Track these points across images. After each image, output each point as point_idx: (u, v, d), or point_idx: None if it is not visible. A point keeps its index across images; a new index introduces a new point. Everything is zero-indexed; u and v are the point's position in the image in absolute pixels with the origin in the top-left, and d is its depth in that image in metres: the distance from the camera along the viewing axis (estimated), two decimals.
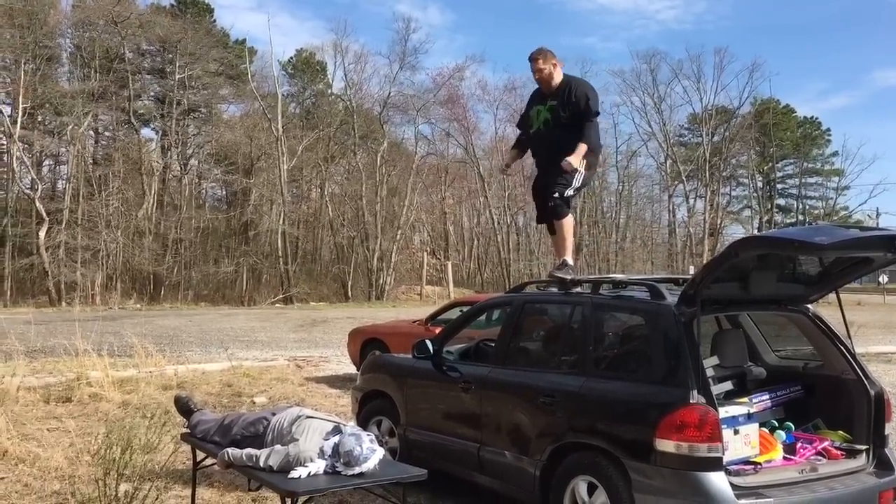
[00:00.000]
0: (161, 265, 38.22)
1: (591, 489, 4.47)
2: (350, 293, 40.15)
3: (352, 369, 11.83)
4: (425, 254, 42.81)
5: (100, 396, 9.71)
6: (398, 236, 41.93)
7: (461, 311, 9.08)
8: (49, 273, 34.23)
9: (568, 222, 5.83)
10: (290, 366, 13.15)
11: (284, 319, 23.95)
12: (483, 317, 9.70)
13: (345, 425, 4.45)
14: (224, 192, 47.93)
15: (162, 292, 37.59)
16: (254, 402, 9.59)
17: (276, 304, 36.11)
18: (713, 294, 4.48)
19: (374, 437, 4.40)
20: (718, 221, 52.19)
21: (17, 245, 36.89)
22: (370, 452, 4.19)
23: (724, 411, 4.25)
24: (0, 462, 6.63)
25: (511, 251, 46.45)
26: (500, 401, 5.24)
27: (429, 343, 6.02)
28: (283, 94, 44.94)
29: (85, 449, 6.55)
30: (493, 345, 5.97)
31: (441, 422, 5.73)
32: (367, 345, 11.30)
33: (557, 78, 5.82)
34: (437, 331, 7.40)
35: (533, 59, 5.82)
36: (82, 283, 34.52)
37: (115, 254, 37.06)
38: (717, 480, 4.00)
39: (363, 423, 6.58)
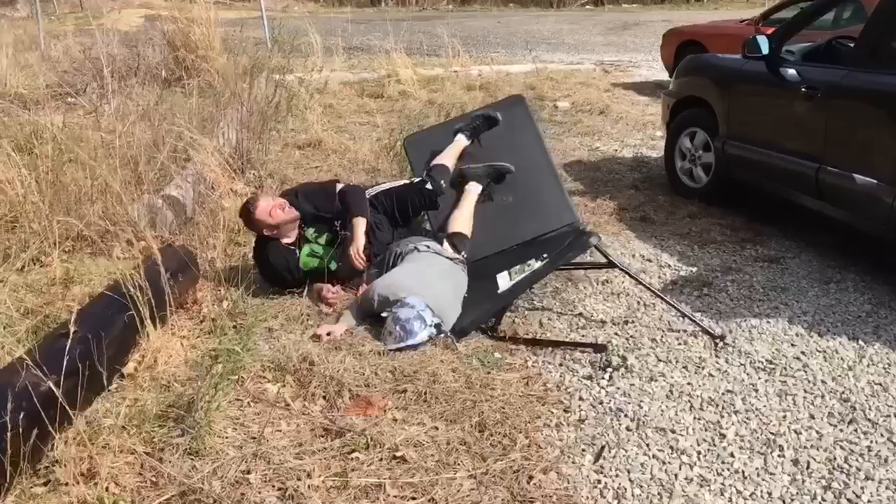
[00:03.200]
0: None
1: None
2: None
3: (664, 76, 10.77)
4: None
5: (407, 94, 9.87)
6: None
7: (802, 8, 7.50)
8: None
9: None
10: (597, 70, 12.37)
11: (593, 22, 22.60)
12: (832, 13, 8.02)
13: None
14: None
15: None
16: (556, 107, 9.12)
17: (587, 7, 34.32)
18: None
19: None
20: None
21: None
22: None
23: None
24: (316, 150, 7.00)
25: None
26: (856, 112, 4.15)
27: (763, 40, 4.90)
28: None
29: (389, 145, 6.60)
30: (850, 44, 4.73)
31: (770, 135, 4.79)
32: (683, 48, 10.07)
33: None
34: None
35: None
36: None
37: None
38: None
39: (673, 134, 5.82)
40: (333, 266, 4.01)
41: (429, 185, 4.39)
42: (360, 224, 4.11)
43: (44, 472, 2.44)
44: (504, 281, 3.77)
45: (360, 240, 4.05)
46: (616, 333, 3.57)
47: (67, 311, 3.55)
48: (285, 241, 4.07)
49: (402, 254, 3.84)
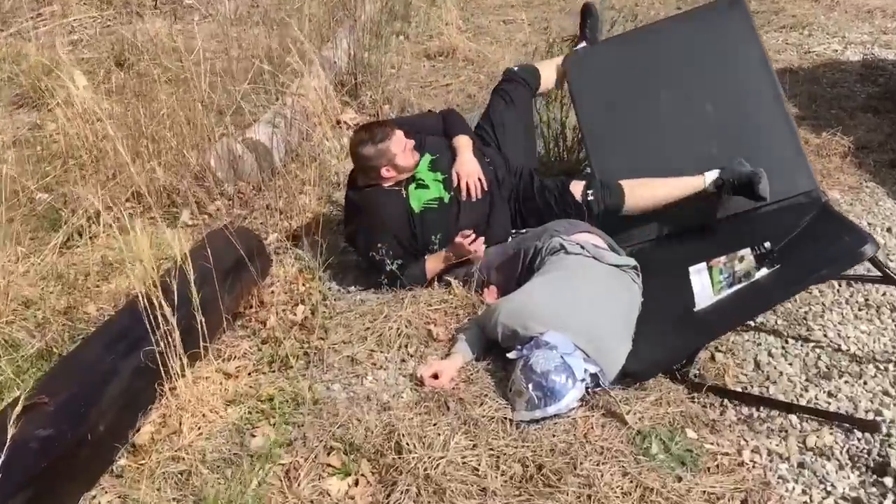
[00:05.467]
0: None
1: None
2: None
3: None
4: None
5: None
6: None
7: None
8: None
9: None
10: None
11: None
12: None
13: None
14: None
15: None
16: None
17: None
18: None
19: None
20: None
21: None
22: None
23: None
24: (448, 61, 5.76)
25: None
26: None
27: None
28: None
29: (540, 52, 5.25)
30: None
31: None
32: None
33: None
34: None
35: None
36: None
37: None
38: None
39: None
40: (447, 196, 2.91)
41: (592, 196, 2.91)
42: (464, 141, 3.02)
43: None
44: (700, 281, 2.48)
45: (465, 156, 2.96)
46: (885, 392, 2.24)
47: (98, 317, 2.68)
48: (388, 185, 2.96)
49: (541, 253, 2.58)
